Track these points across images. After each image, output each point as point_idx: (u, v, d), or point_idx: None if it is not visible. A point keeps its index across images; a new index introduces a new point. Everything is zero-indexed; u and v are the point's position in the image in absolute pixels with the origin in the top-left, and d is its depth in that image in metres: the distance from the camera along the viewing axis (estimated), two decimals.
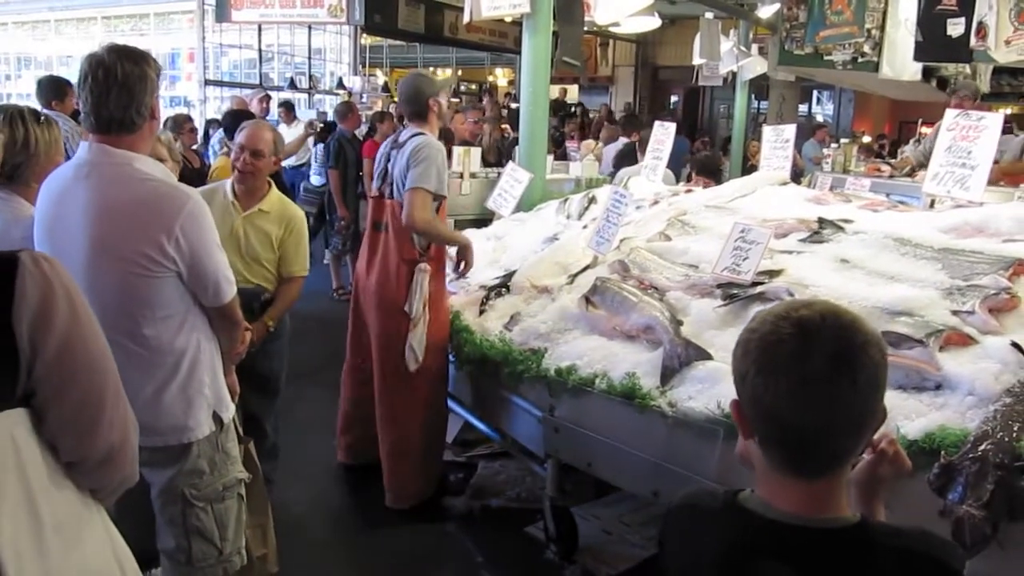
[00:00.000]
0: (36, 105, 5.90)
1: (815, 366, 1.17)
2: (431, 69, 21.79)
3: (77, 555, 1.49)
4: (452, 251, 4.04)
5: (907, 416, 2.40)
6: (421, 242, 3.75)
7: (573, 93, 19.64)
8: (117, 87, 2.17)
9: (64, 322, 1.44)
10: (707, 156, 7.51)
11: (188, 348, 2.35)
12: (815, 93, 19.08)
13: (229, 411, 2.50)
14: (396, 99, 15.17)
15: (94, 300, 2.19)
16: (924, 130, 7.45)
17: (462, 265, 3.97)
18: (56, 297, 1.43)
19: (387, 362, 3.81)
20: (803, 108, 18.17)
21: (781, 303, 1.30)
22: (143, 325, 2.26)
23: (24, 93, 14.75)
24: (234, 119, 6.23)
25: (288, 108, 10.33)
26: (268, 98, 9.98)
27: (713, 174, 6.52)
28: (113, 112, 2.19)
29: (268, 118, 9.24)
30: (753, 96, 13.53)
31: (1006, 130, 6.04)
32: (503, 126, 10.82)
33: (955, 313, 2.74)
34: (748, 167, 10.06)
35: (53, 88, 5.84)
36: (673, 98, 19.86)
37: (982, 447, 2.13)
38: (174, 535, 2.43)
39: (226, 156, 5.92)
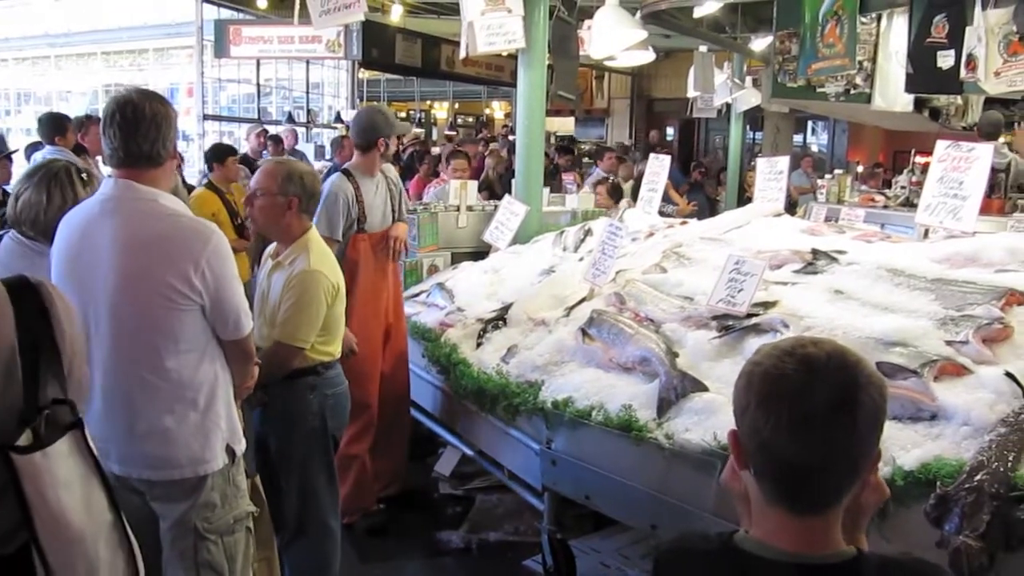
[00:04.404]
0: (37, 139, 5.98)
1: (816, 404, 1.18)
2: (428, 103, 22.00)
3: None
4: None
5: (902, 447, 2.40)
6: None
7: (569, 125, 19.78)
8: (146, 122, 2.29)
9: (81, 339, 1.61)
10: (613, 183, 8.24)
11: (207, 381, 2.37)
12: (810, 124, 19.21)
13: (241, 444, 2.51)
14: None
15: (118, 332, 2.27)
16: (918, 159, 7.49)
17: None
18: (74, 316, 1.60)
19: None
20: (798, 138, 18.29)
21: (789, 339, 1.29)
22: (166, 358, 2.29)
23: (24, 128, 14.84)
24: (214, 152, 6.33)
25: (276, 142, 9.78)
26: (265, 132, 9.94)
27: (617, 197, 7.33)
28: (142, 146, 2.29)
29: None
30: (748, 127, 13.62)
31: None
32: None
33: (949, 343, 2.75)
34: (744, 199, 10.10)
35: (54, 124, 5.95)
36: (669, 130, 19.99)
37: (978, 477, 2.14)
38: (184, 568, 2.42)
39: (205, 188, 6.04)
